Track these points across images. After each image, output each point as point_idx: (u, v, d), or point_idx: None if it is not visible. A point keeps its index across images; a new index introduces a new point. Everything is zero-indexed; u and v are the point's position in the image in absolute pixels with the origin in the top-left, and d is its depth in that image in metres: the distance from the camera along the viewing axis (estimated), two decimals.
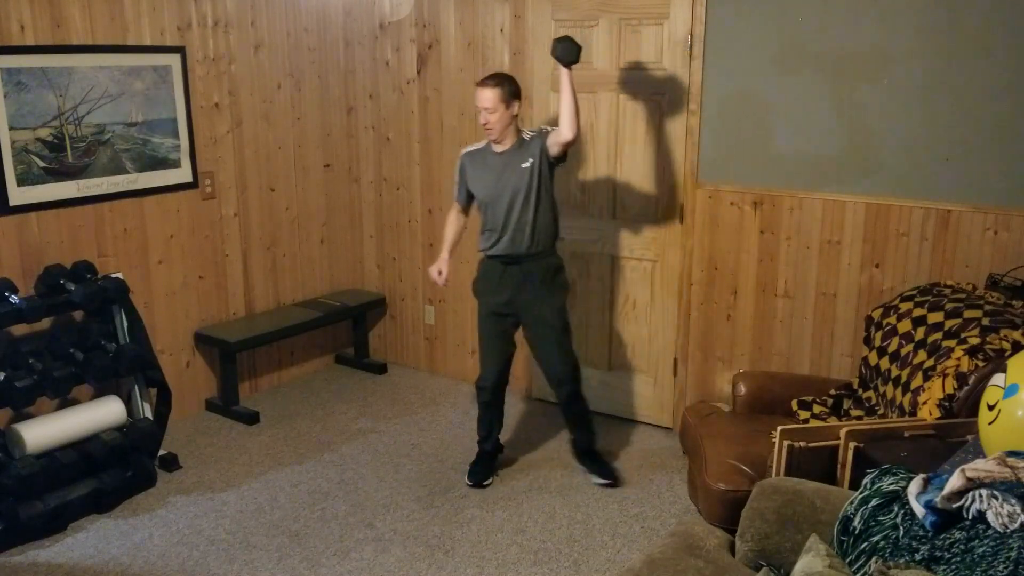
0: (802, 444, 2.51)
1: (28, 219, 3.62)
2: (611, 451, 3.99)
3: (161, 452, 3.84)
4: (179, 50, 4.08)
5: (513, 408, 4.39)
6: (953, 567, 1.71)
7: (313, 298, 4.95)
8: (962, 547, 1.72)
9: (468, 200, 3.63)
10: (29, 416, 3.62)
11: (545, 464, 3.89)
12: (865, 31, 3.38)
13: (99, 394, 3.83)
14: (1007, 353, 2.57)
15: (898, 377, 2.93)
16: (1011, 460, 1.77)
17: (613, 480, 3.68)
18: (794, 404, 3.24)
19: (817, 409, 3.18)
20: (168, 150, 4.11)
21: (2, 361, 3.38)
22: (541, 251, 3.49)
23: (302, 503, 3.56)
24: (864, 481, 2.08)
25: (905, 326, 3.02)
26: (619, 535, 3.32)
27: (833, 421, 3.02)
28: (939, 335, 2.83)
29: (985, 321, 2.75)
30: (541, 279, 3.51)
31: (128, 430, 3.62)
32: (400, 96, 4.76)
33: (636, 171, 4.05)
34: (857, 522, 1.99)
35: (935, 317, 2.92)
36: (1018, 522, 1.65)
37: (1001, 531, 1.67)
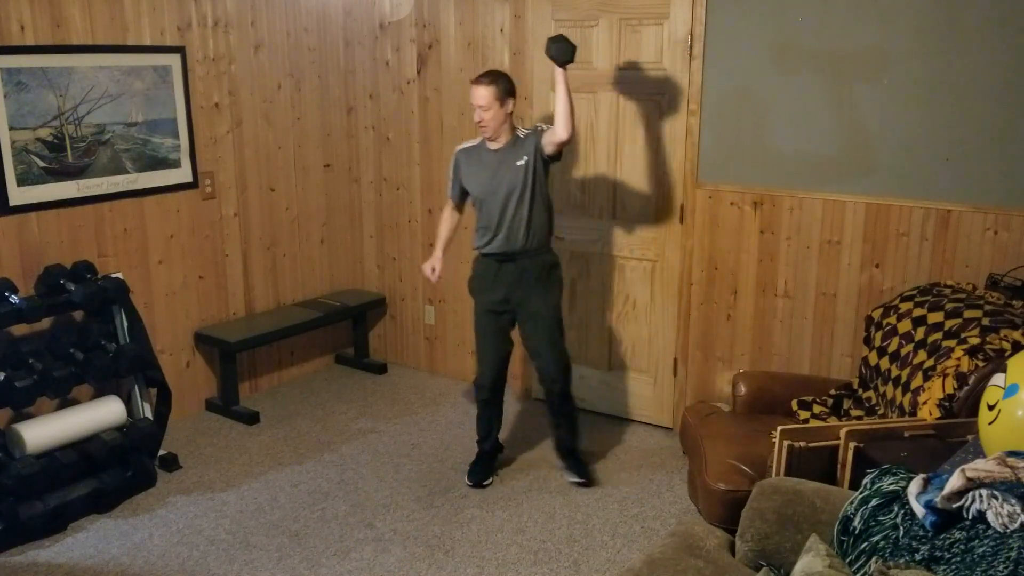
0: (802, 444, 2.51)
1: (28, 219, 3.62)
2: (611, 451, 3.99)
3: (161, 452, 3.85)
4: (179, 50, 4.08)
5: (512, 408, 4.40)
6: (953, 567, 1.71)
7: (313, 298, 4.95)
8: (962, 547, 1.72)
9: (462, 197, 3.63)
10: (29, 416, 3.62)
11: (545, 464, 3.89)
12: (865, 31, 3.39)
13: (99, 394, 3.83)
14: (1007, 353, 2.57)
15: (898, 377, 2.93)
16: (1011, 460, 1.77)
17: (587, 480, 3.69)
18: (794, 404, 3.24)
19: (817, 409, 3.18)
20: (168, 150, 4.11)
21: (2, 361, 3.38)
22: (536, 248, 3.49)
23: (302, 503, 3.56)
24: (864, 481, 2.08)
25: (905, 326, 3.02)
26: (619, 535, 3.32)
27: (833, 421, 3.02)
28: (939, 335, 2.83)
29: (985, 321, 2.75)
30: (536, 276, 3.51)
31: (128, 430, 3.62)
32: (400, 96, 4.76)
33: (636, 171, 4.05)
34: (857, 522, 1.99)
35: (935, 317, 2.92)
36: (1018, 522, 1.65)
37: (1001, 531, 1.67)
